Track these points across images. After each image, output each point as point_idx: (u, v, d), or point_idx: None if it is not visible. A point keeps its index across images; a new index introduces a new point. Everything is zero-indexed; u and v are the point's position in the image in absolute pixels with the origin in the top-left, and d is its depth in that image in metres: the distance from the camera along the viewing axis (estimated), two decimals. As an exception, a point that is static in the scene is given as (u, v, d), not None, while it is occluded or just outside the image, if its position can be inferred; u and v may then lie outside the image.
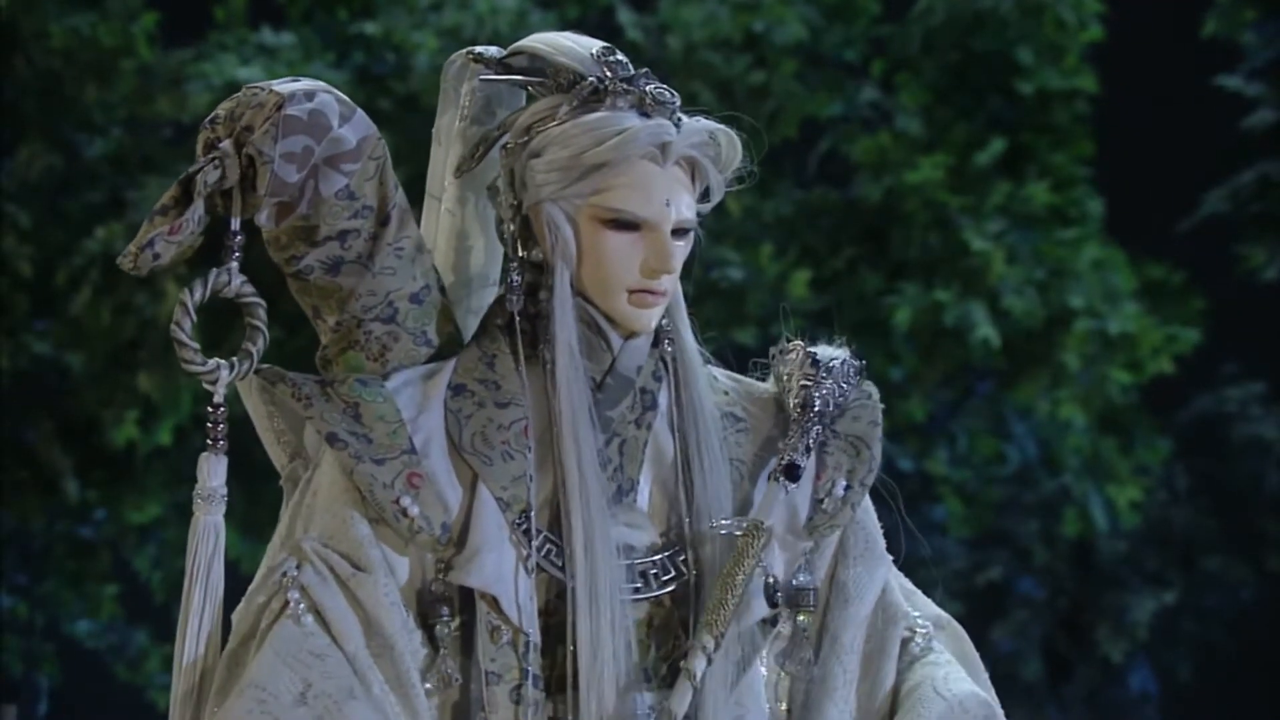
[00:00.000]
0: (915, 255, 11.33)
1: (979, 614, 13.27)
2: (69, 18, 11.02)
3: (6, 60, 11.05)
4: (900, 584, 2.30)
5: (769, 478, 2.18)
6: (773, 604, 2.15)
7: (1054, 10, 11.43)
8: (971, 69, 11.70)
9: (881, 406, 2.27)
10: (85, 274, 10.85)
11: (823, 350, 2.26)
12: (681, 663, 2.10)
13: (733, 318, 10.73)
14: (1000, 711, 2.22)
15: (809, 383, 2.21)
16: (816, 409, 2.19)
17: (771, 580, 2.16)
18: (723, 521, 2.14)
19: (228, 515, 2.14)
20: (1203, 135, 12.47)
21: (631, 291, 2.13)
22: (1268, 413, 14.30)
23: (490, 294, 2.26)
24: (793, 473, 2.16)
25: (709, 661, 2.09)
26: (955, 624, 2.31)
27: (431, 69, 10.88)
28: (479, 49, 2.25)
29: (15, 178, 11.07)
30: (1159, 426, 12.34)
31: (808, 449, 2.18)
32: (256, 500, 9.22)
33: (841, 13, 11.70)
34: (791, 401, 2.22)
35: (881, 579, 2.25)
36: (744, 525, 2.13)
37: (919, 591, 2.32)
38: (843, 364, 2.23)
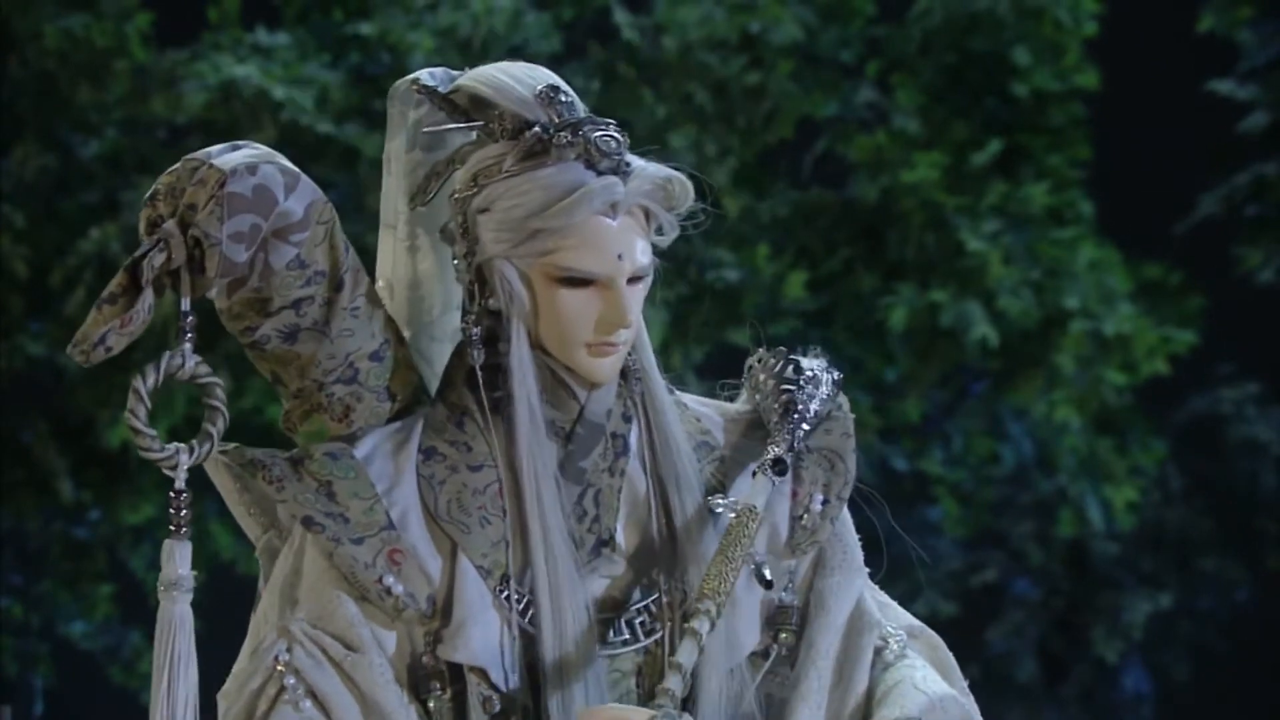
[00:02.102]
0: (911, 256, 11.33)
1: (974, 615, 13.28)
2: (63, 18, 11.01)
3: (1, 61, 11.04)
4: (874, 597, 2.28)
5: (755, 472, 2.15)
6: (766, 585, 2.12)
7: (1051, 11, 11.44)
8: (967, 70, 11.70)
9: (852, 417, 2.25)
10: (80, 275, 10.84)
11: (802, 359, 2.24)
12: (685, 624, 2.07)
13: (728, 318, 10.73)
14: (978, 717, 2.21)
15: (790, 387, 2.19)
16: (798, 411, 2.17)
17: (758, 564, 2.13)
18: (718, 500, 2.12)
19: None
20: (1199, 136, 12.47)
21: (590, 345, 2.10)
22: (1263, 414, 14.30)
23: (453, 319, 2.22)
24: (780, 466, 2.14)
25: (712, 625, 2.06)
26: (930, 632, 2.30)
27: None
28: (425, 76, 2.20)
29: (10, 178, 11.06)
30: (1154, 427, 12.34)
31: (792, 447, 2.15)
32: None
33: (837, 14, 11.70)
34: (773, 406, 2.19)
35: (858, 589, 2.23)
36: (737, 507, 2.11)
37: (894, 604, 2.31)
38: (824, 371, 2.22)
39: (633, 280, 2.11)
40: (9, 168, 11.07)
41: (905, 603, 2.34)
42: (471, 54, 10.27)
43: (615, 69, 11.32)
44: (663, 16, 11.37)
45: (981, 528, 12.55)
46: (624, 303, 2.09)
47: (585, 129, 2.09)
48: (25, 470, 11.22)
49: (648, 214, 2.13)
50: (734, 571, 2.08)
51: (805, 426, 2.18)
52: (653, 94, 11.18)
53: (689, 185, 2.15)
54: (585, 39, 11.62)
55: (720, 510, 2.12)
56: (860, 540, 2.28)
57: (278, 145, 2.27)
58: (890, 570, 2.34)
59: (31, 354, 11.09)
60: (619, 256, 2.08)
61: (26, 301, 11.04)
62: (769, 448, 2.15)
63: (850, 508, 2.26)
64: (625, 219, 2.10)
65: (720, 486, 2.18)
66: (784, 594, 2.19)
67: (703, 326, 10.62)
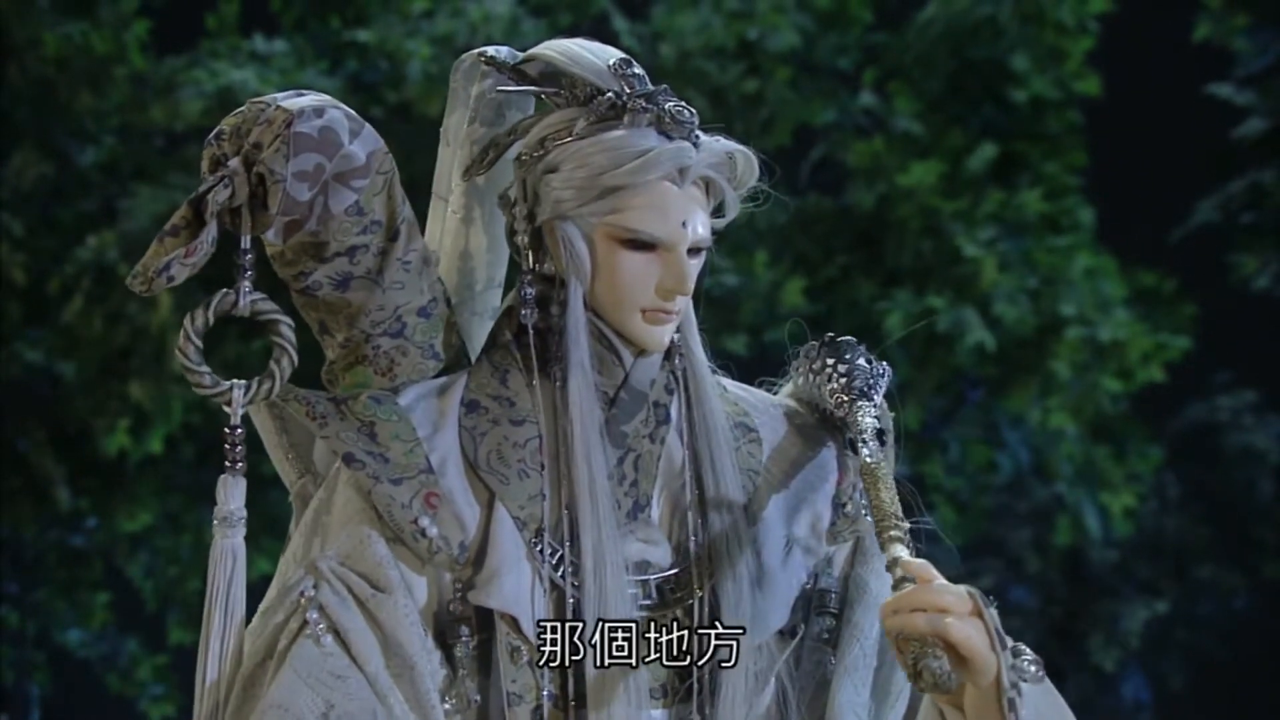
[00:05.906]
0: (908, 262, 11.34)
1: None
2: (62, 26, 11.02)
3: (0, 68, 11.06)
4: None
5: (859, 442, 2.13)
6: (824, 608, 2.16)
7: (1054, 15, 11.45)
8: (965, 77, 11.72)
9: (893, 414, 2.25)
10: (77, 282, 10.85)
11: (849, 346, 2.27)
12: (889, 535, 2.03)
13: (725, 325, 10.74)
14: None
15: (865, 369, 2.22)
16: (876, 391, 2.20)
17: (809, 585, 2.16)
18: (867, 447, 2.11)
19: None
20: (1195, 143, 12.48)
21: (645, 311, 2.12)
22: (1260, 421, 14.32)
23: (495, 295, 2.24)
24: (884, 436, 2.16)
25: (908, 547, 2.03)
26: None
27: (424, 77, 10.89)
28: (490, 50, 2.22)
29: (8, 186, 11.06)
30: (1151, 435, 12.35)
31: (876, 417, 2.16)
32: (251, 507, 9.20)
33: (835, 21, 11.72)
34: (839, 387, 2.21)
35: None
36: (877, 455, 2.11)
37: None
38: (858, 344, 2.25)
39: (693, 251, 2.12)
40: (7, 175, 11.08)
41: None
42: (469, 61, 10.28)
43: (613, 77, 11.33)
44: (661, 24, 11.38)
45: (979, 535, 12.55)
46: (685, 269, 2.10)
47: (660, 98, 2.12)
48: (22, 478, 11.22)
49: (709, 189, 2.15)
50: (896, 497, 2.07)
51: (867, 400, 2.20)
52: (650, 101, 11.18)
53: (754, 162, 2.17)
54: (582, 46, 11.63)
55: (866, 455, 2.10)
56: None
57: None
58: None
59: (29, 361, 11.09)
60: (683, 224, 2.11)
61: (24, 309, 11.04)
62: (861, 419, 2.15)
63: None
64: (690, 188, 2.12)
65: (756, 468, 2.20)
66: (824, 578, 2.20)
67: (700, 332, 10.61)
